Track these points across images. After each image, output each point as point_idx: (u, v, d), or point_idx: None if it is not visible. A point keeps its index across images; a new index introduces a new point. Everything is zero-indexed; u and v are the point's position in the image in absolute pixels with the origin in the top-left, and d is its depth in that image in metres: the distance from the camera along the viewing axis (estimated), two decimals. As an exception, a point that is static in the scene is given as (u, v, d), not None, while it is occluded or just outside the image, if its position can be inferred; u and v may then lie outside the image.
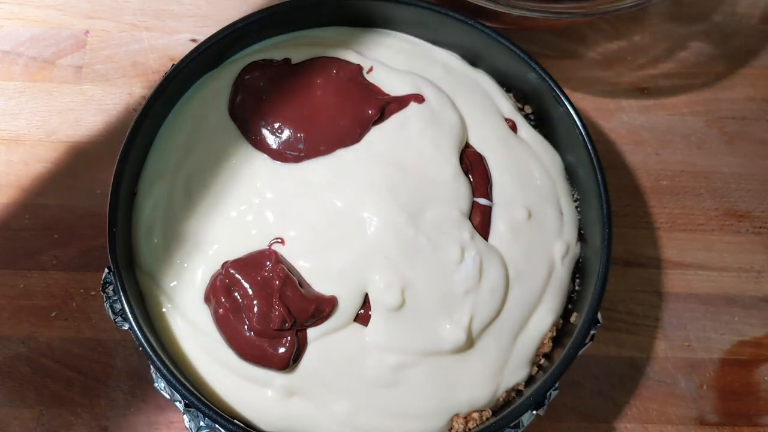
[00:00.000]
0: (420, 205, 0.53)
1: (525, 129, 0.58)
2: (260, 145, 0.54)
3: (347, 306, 0.50)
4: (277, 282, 0.49)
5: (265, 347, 0.49)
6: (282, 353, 0.49)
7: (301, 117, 0.54)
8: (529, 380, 0.53)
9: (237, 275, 0.50)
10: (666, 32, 0.76)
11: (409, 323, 0.51)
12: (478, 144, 0.57)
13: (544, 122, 0.60)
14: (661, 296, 0.66)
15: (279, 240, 0.52)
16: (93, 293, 0.62)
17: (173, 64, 0.55)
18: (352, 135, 0.54)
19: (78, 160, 0.66)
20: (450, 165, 0.54)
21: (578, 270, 0.57)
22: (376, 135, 0.55)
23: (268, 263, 0.50)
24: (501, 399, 0.53)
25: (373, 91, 0.56)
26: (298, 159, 0.54)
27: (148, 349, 0.48)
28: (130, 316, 0.49)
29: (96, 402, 0.60)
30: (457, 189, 0.54)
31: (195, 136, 0.55)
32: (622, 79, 0.74)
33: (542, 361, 0.54)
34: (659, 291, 0.66)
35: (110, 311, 0.51)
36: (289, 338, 0.49)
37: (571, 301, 0.56)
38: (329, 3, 0.59)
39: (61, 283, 0.63)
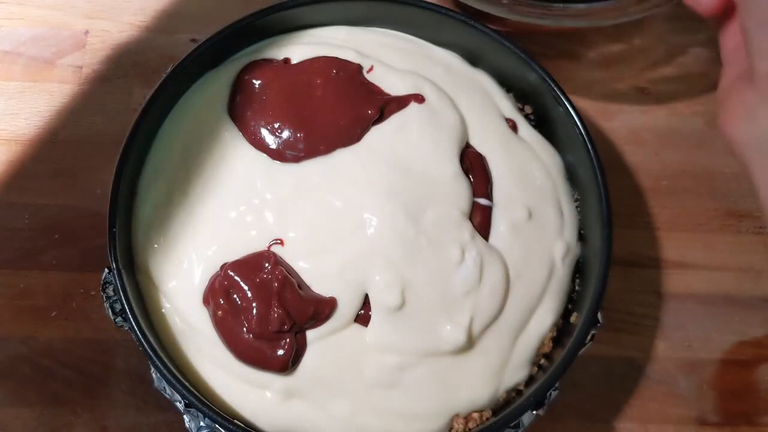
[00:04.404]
0: (420, 206, 0.53)
1: (525, 129, 0.58)
2: (260, 145, 0.54)
3: (347, 307, 0.50)
4: (276, 284, 0.49)
5: (263, 350, 0.49)
6: (281, 356, 0.49)
7: (300, 117, 0.54)
8: (530, 380, 0.53)
9: (236, 277, 0.50)
10: (666, 33, 0.76)
11: (410, 324, 0.50)
12: (478, 144, 0.56)
13: (544, 122, 0.60)
14: (661, 296, 0.66)
15: (278, 241, 0.52)
16: (93, 293, 0.62)
17: (173, 64, 0.55)
18: (352, 135, 0.54)
19: (78, 160, 0.66)
20: (450, 165, 0.54)
21: (578, 270, 0.57)
22: (375, 135, 0.55)
23: (267, 265, 0.50)
24: (501, 399, 0.53)
25: (372, 90, 0.56)
26: (297, 159, 0.54)
27: (148, 349, 0.48)
28: (130, 316, 0.49)
29: (96, 402, 0.60)
30: (457, 189, 0.54)
31: (194, 136, 0.55)
32: (623, 80, 0.74)
33: (542, 361, 0.54)
34: (659, 291, 0.66)
35: (110, 311, 0.51)
36: (288, 340, 0.49)
37: (571, 301, 0.56)
38: (329, 2, 0.59)
39: (61, 283, 0.63)
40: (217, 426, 0.48)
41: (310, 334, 0.50)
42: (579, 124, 0.55)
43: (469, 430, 0.51)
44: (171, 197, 0.54)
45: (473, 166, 0.55)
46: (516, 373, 0.52)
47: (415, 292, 0.51)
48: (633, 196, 0.69)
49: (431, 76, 0.58)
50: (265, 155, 0.54)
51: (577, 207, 0.58)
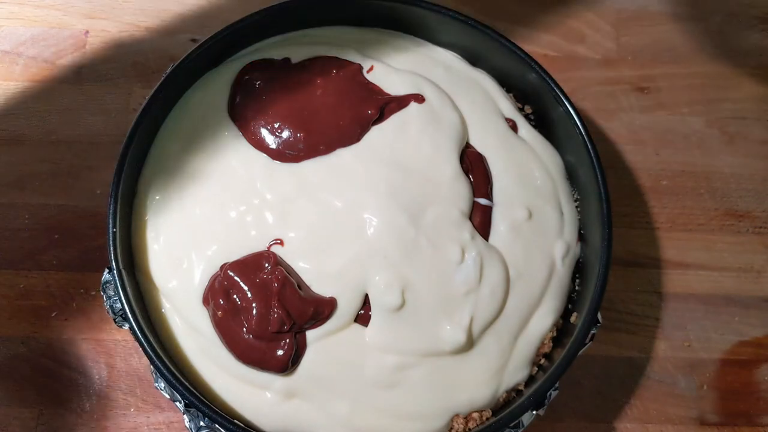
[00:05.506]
0: (420, 206, 0.53)
1: (525, 129, 0.58)
2: (260, 145, 0.54)
3: (347, 307, 0.50)
4: (276, 284, 0.49)
5: (263, 350, 0.49)
6: (280, 356, 0.49)
7: (300, 117, 0.54)
8: (530, 380, 0.53)
9: (236, 277, 0.50)
10: (666, 32, 0.76)
11: (410, 324, 0.51)
12: (478, 144, 0.56)
13: (544, 122, 0.60)
14: (661, 296, 0.66)
15: (278, 241, 0.52)
16: (93, 293, 0.62)
17: (173, 64, 0.55)
18: (352, 135, 0.54)
19: (78, 160, 0.66)
20: (450, 165, 0.54)
21: (578, 270, 0.57)
22: (376, 135, 0.55)
23: (267, 265, 0.50)
24: (501, 399, 0.53)
25: (373, 90, 0.56)
26: (297, 159, 0.54)
27: (148, 349, 0.48)
28: (130, 316, 0.49)
29: (96, 402, 0.60)
30: (457, 189, 0.54)
31: (195, 136, 0.55)
32: (623, 79, 0.74)
33: (542, 361, 0.54)
34: (659, 291, 0.66)
35: (110, 311, 0.51)
36: (287, 341, 0.49)
37: (571, 301, 0.56)
38: (329, 2, 0.59)
39: (61, 283, 0.63)
40: (217, 426, 0.48)
41: (310, 334, 0.50)
42: (579, 124, 0.55)
43: (469, 430, 0.51)
44: (171, 197, 0.54)
45: (473, 165, 0.55)
46: (516, 373, 0.52)
47: (415, 292, 0.51)
48: (633, 196, 0.69)
49: (431, 76, 0.58)
50: (265, 155, 0.54)
51: (577, 207, 0.58)
